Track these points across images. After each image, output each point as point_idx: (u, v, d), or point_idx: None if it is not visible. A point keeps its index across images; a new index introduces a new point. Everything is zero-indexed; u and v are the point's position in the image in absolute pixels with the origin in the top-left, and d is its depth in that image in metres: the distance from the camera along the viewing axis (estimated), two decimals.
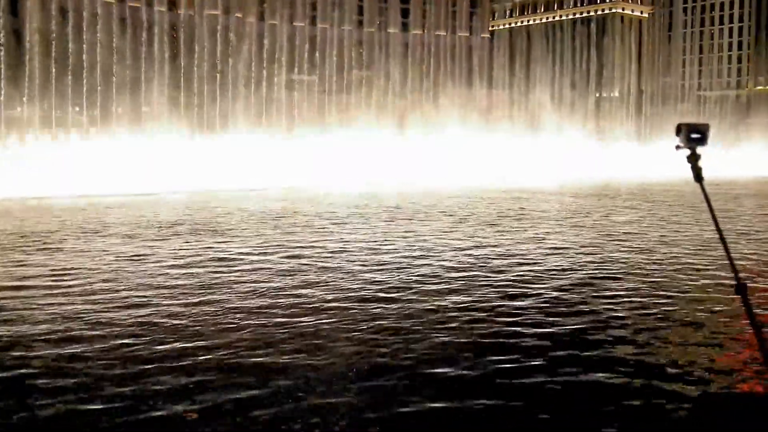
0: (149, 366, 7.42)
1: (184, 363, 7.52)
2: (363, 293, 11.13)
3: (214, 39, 53.85)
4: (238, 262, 14.18)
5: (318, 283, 12.02)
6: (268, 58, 55.78)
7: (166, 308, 10.03)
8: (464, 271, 13.21)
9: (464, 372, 7.31)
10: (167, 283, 11.88)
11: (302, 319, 9.41)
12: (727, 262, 4.02)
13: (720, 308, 10.30)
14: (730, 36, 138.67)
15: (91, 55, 48.18)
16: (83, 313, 9.70)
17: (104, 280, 12.11)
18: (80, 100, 49.00)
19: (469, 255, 15.15)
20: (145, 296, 10.85)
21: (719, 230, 4.06)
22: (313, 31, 58.23)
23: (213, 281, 12.15)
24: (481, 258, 14.73)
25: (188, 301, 10.55)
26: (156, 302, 10.42)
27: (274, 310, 9.93)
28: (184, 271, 13.10)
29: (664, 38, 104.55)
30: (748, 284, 3.89)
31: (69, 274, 12.69)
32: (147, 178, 38.02)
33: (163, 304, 10.27)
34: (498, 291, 11.35)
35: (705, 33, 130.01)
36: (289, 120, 53.84)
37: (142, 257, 14.75)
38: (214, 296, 10.90)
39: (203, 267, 13.56)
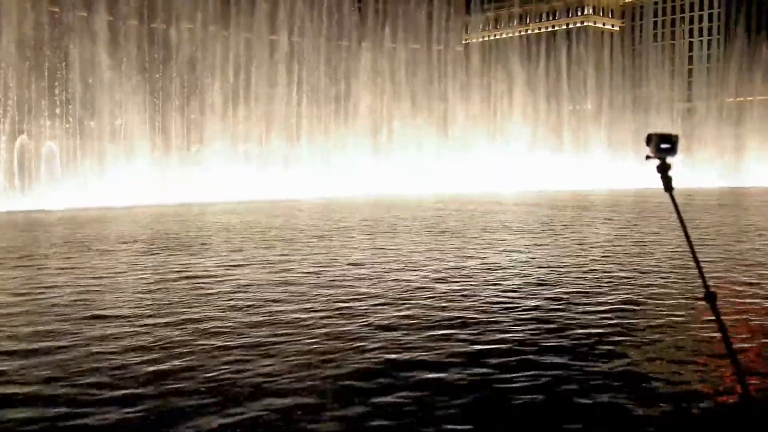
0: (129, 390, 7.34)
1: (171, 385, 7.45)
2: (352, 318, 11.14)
3: (188, 52, 53.62)
4: (220, 277, 14.11)
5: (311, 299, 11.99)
6: (243, 71, 55.54)
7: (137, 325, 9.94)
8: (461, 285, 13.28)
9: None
10: (143, 299, 11.79)
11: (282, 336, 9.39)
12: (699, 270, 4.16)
13: (690, 316, 10.49)
14: (700, 49, 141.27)
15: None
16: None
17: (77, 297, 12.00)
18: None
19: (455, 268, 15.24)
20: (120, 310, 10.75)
21: (689, 239, 4.19)
22: (287, 44, 58.20)
23: (192, 297, 12.06)
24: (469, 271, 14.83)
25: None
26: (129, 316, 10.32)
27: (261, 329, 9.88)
28: (160, 287, 13.00)
29: (636, 51, 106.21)
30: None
31: (45, 290, 12.54)
32: (122, 191, 37.78)
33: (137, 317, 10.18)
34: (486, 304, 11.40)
35: (675, 46, 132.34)
36: (264, 134, 53.69)
37: (121, 273, 14.63)
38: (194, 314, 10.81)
39: (180, 282, 13.46)
